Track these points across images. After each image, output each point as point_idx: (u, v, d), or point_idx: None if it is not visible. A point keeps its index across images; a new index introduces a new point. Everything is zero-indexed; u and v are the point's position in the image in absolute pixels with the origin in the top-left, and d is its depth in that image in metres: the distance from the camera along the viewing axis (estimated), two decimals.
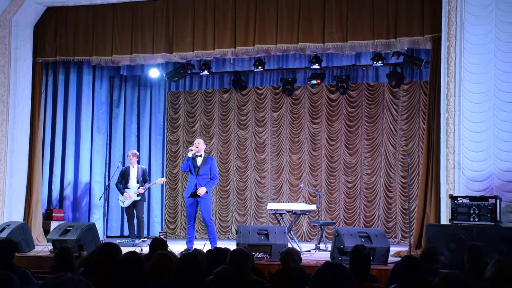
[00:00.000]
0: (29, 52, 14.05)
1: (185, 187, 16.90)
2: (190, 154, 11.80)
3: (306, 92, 16.40)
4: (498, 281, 5.16)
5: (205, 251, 7.26)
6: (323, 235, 13.13)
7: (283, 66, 15.60)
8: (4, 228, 12.05)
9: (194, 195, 11.71)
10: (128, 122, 16.94)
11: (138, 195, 13.98)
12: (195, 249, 7.48)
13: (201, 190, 11.64)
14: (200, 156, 11.86)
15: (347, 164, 15.95)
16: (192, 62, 15.35)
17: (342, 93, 15.73)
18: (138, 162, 14.46)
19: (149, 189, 14.98)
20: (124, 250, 5.99)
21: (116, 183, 14.19)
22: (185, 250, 11.14)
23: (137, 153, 14.60)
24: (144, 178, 14.16)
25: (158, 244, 7.40)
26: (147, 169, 14.91)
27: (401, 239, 15.07)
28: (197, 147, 11.85)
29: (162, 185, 16.99)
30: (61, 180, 15.04)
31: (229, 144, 17.08)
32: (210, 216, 11.90)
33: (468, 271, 6.52)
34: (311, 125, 16.31)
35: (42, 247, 12.17)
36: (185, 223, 14.52)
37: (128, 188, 13.98)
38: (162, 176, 17.02)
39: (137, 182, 14.01)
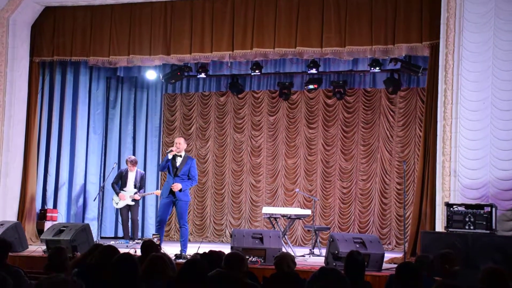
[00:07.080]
0: (26, 52, 14.02)
1: None
2: (170, 156, 11.46)
3: (303, 97, 16.38)
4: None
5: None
6: (318, 240, 13.11)
7: (280, 70, 15.55)
8: None
9: (171, 193, 11.42)
10: (124, 124, 16.88)
11: (132, 200, 13.95)
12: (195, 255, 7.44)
13: (176, 186, 11.34)
14: (180, 156, 11.58)
15: (342, 170, 15.92)
16: (189, 65, 15.30)
17: (339, 98, 15.68)
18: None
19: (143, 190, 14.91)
20: None
21: (112, 183, 14.17)
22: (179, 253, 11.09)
23: (136, 159, 14.57)
24: (142, 183, 14.12)
25: (150, 247, 7.34)
26: (145, 174, 14.84)
27: (395, 246, 15.04)
28: (178, 148, 11.53)
29: (157, 187, 16.94)
30: (56, 180, 14.96)
31: (225, 147, 17.05)
32: (186, 218, 11.67)
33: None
34: (307, 130, 16.29)
35: (36, 247, 12.13)
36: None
37: (125, 191, 13.94)
38: (158, 185, 17.01)
39: (134, 187, 13.97)
